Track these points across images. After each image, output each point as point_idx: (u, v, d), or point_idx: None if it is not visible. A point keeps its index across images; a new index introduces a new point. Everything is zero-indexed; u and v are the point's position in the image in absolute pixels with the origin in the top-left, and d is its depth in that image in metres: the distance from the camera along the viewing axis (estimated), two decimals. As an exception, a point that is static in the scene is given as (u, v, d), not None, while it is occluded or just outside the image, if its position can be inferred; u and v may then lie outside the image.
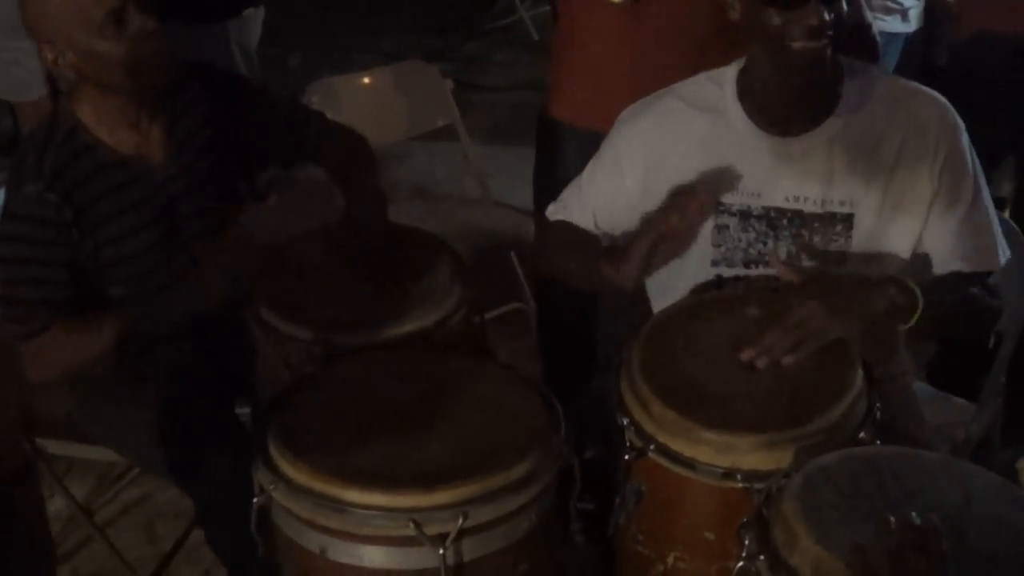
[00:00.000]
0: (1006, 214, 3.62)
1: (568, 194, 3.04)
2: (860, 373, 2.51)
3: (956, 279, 2.79)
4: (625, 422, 2.48)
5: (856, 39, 4.37)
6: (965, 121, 2.86)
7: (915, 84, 2.86)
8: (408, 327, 2.83)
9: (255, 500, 2.43)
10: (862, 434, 2.42)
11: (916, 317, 2.60)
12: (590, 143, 3.09)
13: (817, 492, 2.19)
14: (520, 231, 4.34)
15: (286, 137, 3.25)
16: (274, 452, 2.40)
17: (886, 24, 4.53)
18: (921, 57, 4.75)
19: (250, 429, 2.74)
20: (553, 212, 3.06)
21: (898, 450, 2.40)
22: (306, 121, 3.32)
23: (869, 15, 4.37)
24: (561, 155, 3.56)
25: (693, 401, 2.44)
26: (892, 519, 2.10)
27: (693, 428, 2.39)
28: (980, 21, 4.03)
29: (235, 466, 2.70)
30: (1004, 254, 2.83)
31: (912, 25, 4.65)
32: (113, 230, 2.91)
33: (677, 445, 2.40)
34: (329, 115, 4.37)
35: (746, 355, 2.51)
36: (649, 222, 2.71)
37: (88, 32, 2.78)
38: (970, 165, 2.79)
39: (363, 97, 4.68)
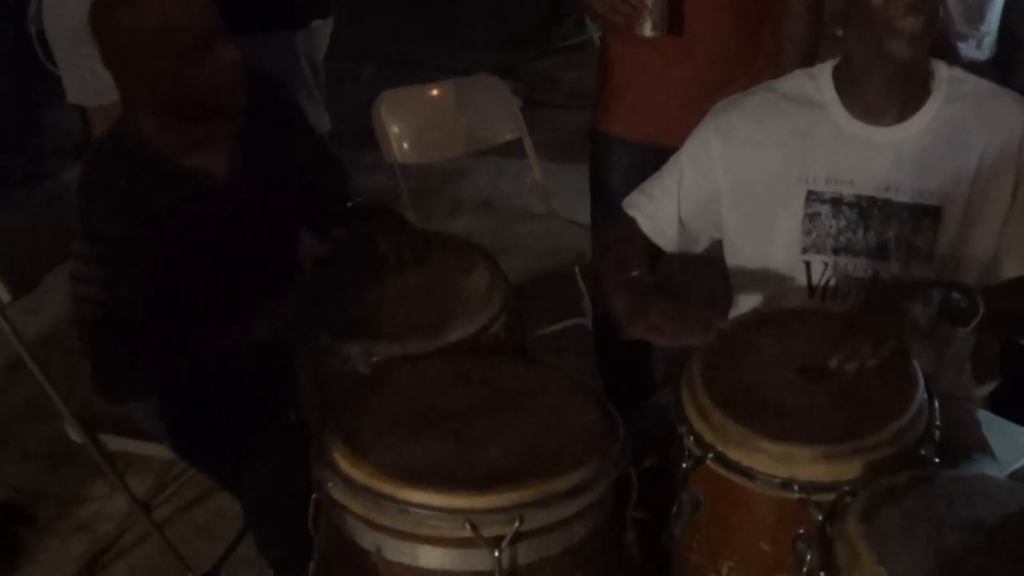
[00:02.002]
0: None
1: (649, 185, 3.09)
2: (921, 389, 2.51)
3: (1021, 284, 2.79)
4: (684, 430, 2.48)
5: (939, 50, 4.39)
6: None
7: (1002, 87, 2.90)
8: (449, 337, 2.84)
9: (313, 498, 2.44)
10: (922, 451, 2.41)
11: (977, 320, 2.58)
12: (640, 155, 3.11)
13: (883, 513, 2.17)
14: (583, 247, 4.36)
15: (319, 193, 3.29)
16: (333, 450, 2.40)
17: (960, 51, 4.53)
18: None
19: (298, 436, 2.74)
20: (630, 203, 3.09)
21: (967, 475, 2.39)
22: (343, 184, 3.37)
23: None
24: (611, 167, 3.58)
25: (753, 411, 2.44)
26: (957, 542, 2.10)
27: (752, 437, 2.38)
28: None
29: (285, 470, 2.73)
30: None
31: (985, 53, 4.64)
32: (179, 243, 2.94)
33: (735, 454, 2.40)
34: (396, 127, 4.45)
35: (832, 363, 2.51)
36: (656, 324, 2.69)
37: (171, 56, 2.79)
38: None
39: (431, 109, 4.70)
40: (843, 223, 2.85)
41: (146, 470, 3.80)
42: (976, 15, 4.57)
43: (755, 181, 2.92)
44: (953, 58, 4.41)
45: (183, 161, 2.97)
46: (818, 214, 2.86)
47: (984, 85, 2.87)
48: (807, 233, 2.88)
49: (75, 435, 3.42)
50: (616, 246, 3.04)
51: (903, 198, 2.81)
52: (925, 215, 2.80)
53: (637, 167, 3.15)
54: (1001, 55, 4.67)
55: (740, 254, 3.02)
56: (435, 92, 4.75)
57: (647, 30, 3.28)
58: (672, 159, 3.05)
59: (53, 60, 5.53)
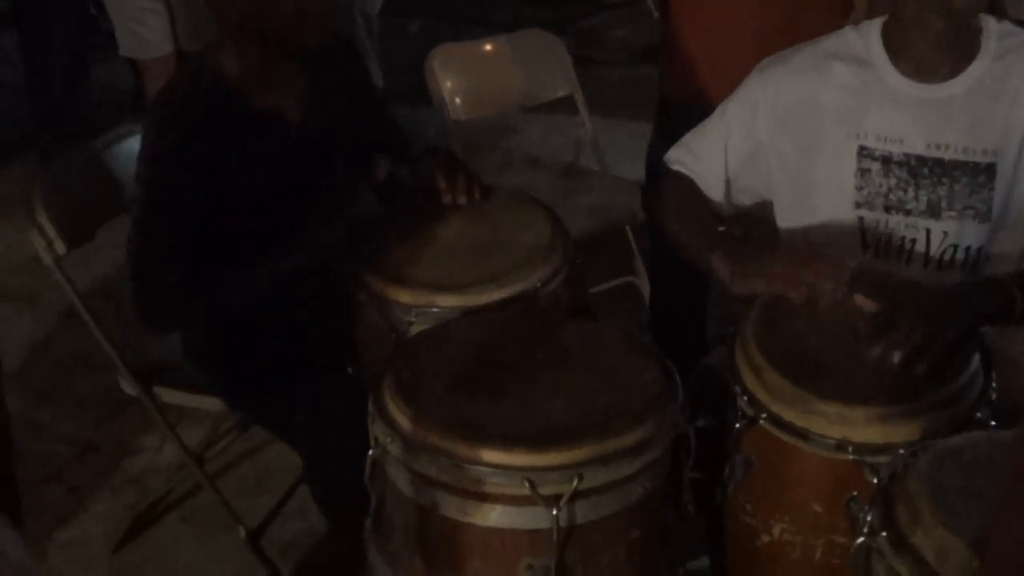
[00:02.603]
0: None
1: (691, 139, 3.08)
2: (977, 351, 2.49)
3: None
4: (738, 390, 2.48)
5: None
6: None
7: None
8: (510, 290, 2.83)
9: (371, 452, 2.43)
10: (978, 414, 2.39)
11: (1016, 316, 2.56)
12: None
13: (945, 473, 2.14)
14: (635, 205, 4.34)
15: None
16: (391, 406, 2.40)
17: (1017, 12, 4.49)
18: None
19: (355, 390, 2.74)
20: (674, 159, 3.09)
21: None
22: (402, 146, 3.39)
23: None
24: (678, 136, 3.56)
25: (807, 371, 2.43)
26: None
27: (806, 398, 2.37)
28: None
29: (343, 424, 2.74)
30: None
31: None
32: (247, 178, 2.97)
33: (789, 415, 2.39)
34: (448, 82, 4.44)
35: (875, 352, 2.44)
36: (782, 270, 2.66)
37: None
38: None
39: (483, 64, 4.69)
40: (893, 181, 2.84)
41: (197, 424, 3.82)
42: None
43: (805, 139, 2.91)
44: (1002, 14, 4.38)
45: (257, 102, 3.01)
46: (869, 170, 2.85)
47: None
48: (859, 189, 2.87)
49: (128, 387, 3.44)
50: (684, 206, 3.01)
51: (955, 156, 2.80)
52: (979, 172, 2.79)
53: None
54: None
55: (790, 212, 3.01)
56: (488, 47, 4.74)
57: None
58: (716, 115, 3.04)
59: (105, 12, 5.54)
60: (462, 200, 3.09)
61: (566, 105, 4.78)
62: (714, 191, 3.03)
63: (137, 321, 3.03)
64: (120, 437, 4.22)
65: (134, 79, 6.06)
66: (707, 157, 3.03)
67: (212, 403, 3.36)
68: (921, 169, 2.81)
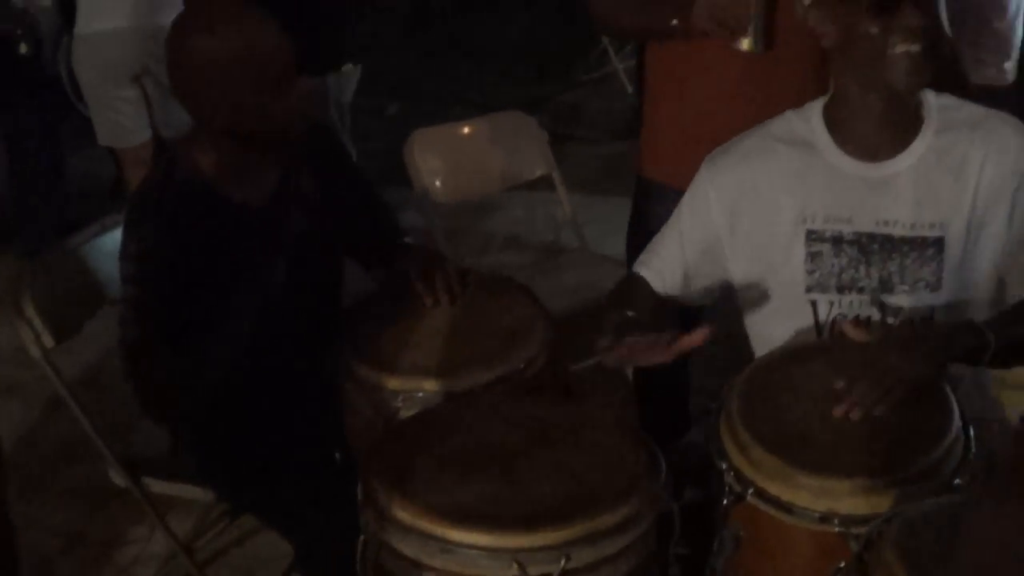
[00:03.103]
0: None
1: (654, 243, 3.12)
2: (956, 418, 2.52)
3: None
4: (724, 466, 2.50)
5: (951, 80, 4.41)
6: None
7: (995, 110, 2.90)
8: (495, 372, 2.86)
9: (361, 538, 2.45)
10: (958, 480, 2.41)
11: (989, 355, 2.61)
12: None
13: (918, 539, 2.18)
14: (614, 281, 4.36)
15: (366, 237, 3.35)
16: (380, 490, 2.42)
17: (981, 76, 4.56)
18: (1016, 108, 4.77)
19: (344, 476, 2.76)
20: (640, 263, 3.13)
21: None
22: (390, 233, 3.42)
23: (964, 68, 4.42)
24: (656, 216, 3.59)
25: (791, 445, 2.45)
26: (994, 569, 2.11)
27: (791, 472, 2.40)
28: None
29: (333, 512, 2.75)
30: None
31: (1008, 78, 4.68)
32: (227, 271, 2.96)
33: (775, 489, 2.41)
34: (427, 165, 4.48)
35: (838, 411, 2.50)
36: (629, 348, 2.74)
37: (256, 87, 2.86)
38: None
39: (462, 147, 4.74)
40: (845, 261, 2.86)
41: (187, 513, 3.82)
42: (1003, 42, 4.61)
43: (754, 225, 2.94)
44: (969, 85, 4.45)
45: (233, 194, 3.02)
46: (820, 253, 2.87)
47: (977, 110, 2.87)
48: (810, 272, 2.89)
49: (118, 477, 3.45)
50: (618, 296, 3.08)
51: (902, 231, 2.82)
52: (927, 246, 2.81)
53: None
54: (1019, 79, 4.72)
55: (747, 298, 3.03)
56: (466, 130, 4.79)
57: (746, 44, 3.29)
58: (675, 212, 3.08)
59: (83, 101, 5.59)
60: (443, 302, 3.11)
61: (544, 182, 4.82)
62: (675, 288, 3.05)
63: (140, 411, 3.04)
64: (109, 528, 4.21)
65: (114, 167, 6.09)
66: (667, 254, 3.06)
67: (201, 492, 3.36)
68: (871, 246, 2.84)
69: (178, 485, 3.43)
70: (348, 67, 5.07)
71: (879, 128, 2.81)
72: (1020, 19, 4.67)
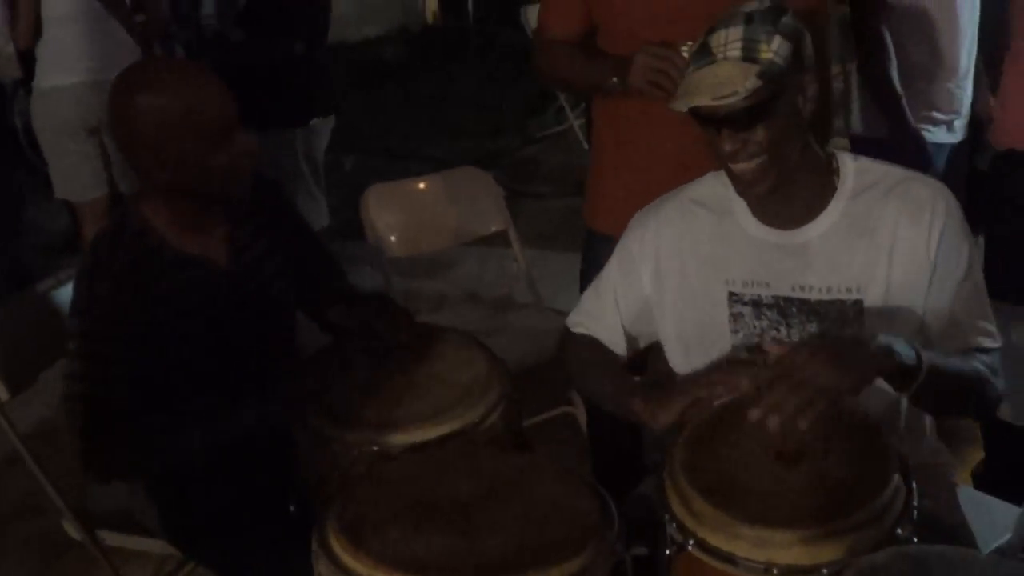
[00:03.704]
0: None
1: (588, 301, 3.16)
2: (897, 469, 2.53)
3: (958, 355, 2.78)
4: (667, 517, 2.51)
5: (903, 146, 4.48)
6: (1010, 227, 2.90)
7: (909, 170, 2.89)
8: (450, 426, 2.87)
9: (315, 591, 2.47)
10: (899, 530, 2.43)
11: (917, 384, 2.58)
12: None
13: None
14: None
15: (316, 287, 3.37)
16: (334, 543, 2.43)
17: (932, 135, 4.64)
18: (967, 165, 4.85)
19: (298, 528, 2.77)
20: (575, 323, 3.17)
21: (948, 550, 2.42)
22: (339, 279, 3.45)
23: (915, 125, 4.49)
24: (601, 266, 3.63)
25: (731, 497, 2.47)
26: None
27: (731, 523, 2.41)
28: (1015, 139, 4.07)
29: (287, 563, 2.76)
30: (998, 339, 2.85)
31: (958, 135, 4.76)
32: (177, 328, 2.98)
33: (716, 540, 2.42)
34: (383, 220, 4.51)
35: (754, 415, 2.47)
36: (694, 381, 2.78)
37: (196, 142, 2.86)
38: (967, 246, 2.83)
39: (418, 203, 4.77)
40: (766, 323, 2.88)
41: (142, 565, 3.81)
42: (953, 101, 4.68)
43: (679, 287, 2.96)
44: (922, 158, 4.53)
45: (184, 248, 3.02)
46: (741, 314, 2.89)
47: (894, 173, 2.87)
48: (735, 332, 2.91)
49: (73, 531, 3.45)
50: (595, 363, 3.09)
51: (819, 295, 2.83)
52: (847, 309, 2.81)
53: None
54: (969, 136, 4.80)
55: (677, 355, 3.04)
56: (421, 185, 4.82)
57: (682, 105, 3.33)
58: (605, 271, 3.12)
59: (40, 154, 5.60)
60: (402, 339, 3.13)
61: (500, 237, 4.84)
62: (617, 347, 3.10)
63: (82, 470, 3.04)
64: (64, 581, 4.21)
65: (71, 220, 6.09)
66: (603, 315, 3.10)
67: (156, 545, 3.36)
68: (790, 309, 2.85)
69: (134, 538, 3.44)
70: (316, 121, 5.10)
71: (789, 199, 2.81)
72: (970, 79, 4.74)
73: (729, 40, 2.63)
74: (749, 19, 2.64)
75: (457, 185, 4.85)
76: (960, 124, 4.77)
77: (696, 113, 2.69)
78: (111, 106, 2.92)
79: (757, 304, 2.87)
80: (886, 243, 2.79)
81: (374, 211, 4.61)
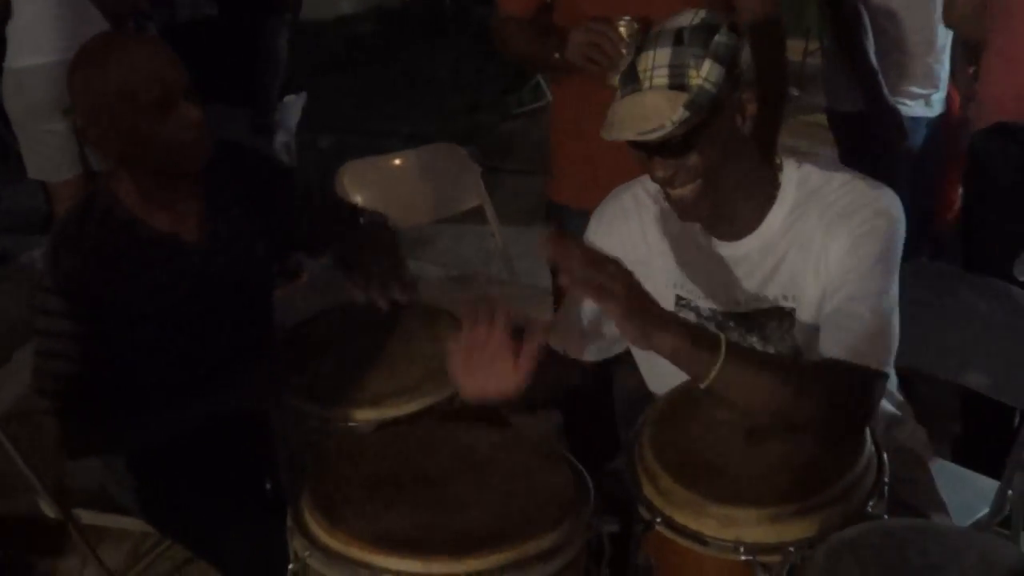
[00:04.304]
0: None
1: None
2: (868, 446, 2.53)
3: (835, 367, 2.58)
4: (636, 495, 2.52)
5: (879, 121, 4.49)
6: (986, 207, 2.87)
7: (859, 175, 2.78)
8: (423, 402, 2.88)
9: (290, 567, 2.45)
10: (870, 507, 2.43)
11: (715, 372, 2.48)
12: None
13: (841, 565, 2.20)
14: (545, 311, 4.39)
15: (312, 225, 3.33)
16: (309, 519, 2.43)
17: (909, 109, 4.64)
18: (944, 140, 4.86)
19: (273, 505, 2.76)
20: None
21: (922, 523, 2.42)
22: (333, 209, 3.41)
23: (891, 100, 4.49)
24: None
25: (699, 475, 2.47)
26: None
27: (698, 501, 2.41)
28: (1001, 112, 4.07)
29: (263, 540, 2.76)
30: (889, 365, 2.66)
31: (935, 110, 4.76)
32: (149, 306, 2.98)
33: (683, 518, 2.42)
34: (359, 197, 4.49)
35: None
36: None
37: (136, 114, 2.85)
38: (887, 260, 2.68)
39: (393, 179, 4.76)
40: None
41: (119, 544, 3.81)
42: (930, 75, 4.68)
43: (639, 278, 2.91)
44: (899, 134, 4.54)
45: (154, 225, 3.01)
46: (688, 320, 2.78)
47: (835, 180, 2.75)
48: None
49: (49, 509, 3.44)
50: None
51: (757, 305, 2.78)
52: (783, 318, 2.76)
53: None
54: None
55: (635, 351, 2.98)
56: (397, 162, 4.82)
57: (617, 81, 3.33)
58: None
59: (13, 136, 5.57)
60: (381, 304, 3.09)
61: (476, 214, 4.84)
62: (584, 348, 2.99)
63: (57, 446, 3.03)
64: (41, 560, 4.19)
65: (46, 202, 6.07)
66: (567, 320, 2.99)
67: (133, 523, 3.35)
68: (727, 323, 2.81)
69: (110, 516, 3.43)
70: (290, 97, 5.09)
71: (730, 215, 2.74)
72: (947, 53, 4.74)
73: (656, 64, 2.53)
74: (679, 39, 2.53)
75: (433, 161, 4.85)
76: (937, 98, 4.78)
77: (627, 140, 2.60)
78: (68, 84, 2.92)
79: (699, 314, 2.83)
80: (819, 256, 2.70)
81: (349, 188, 4.60)
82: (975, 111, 4.21)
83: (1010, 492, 3.22)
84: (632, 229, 2.91)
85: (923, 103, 4.74)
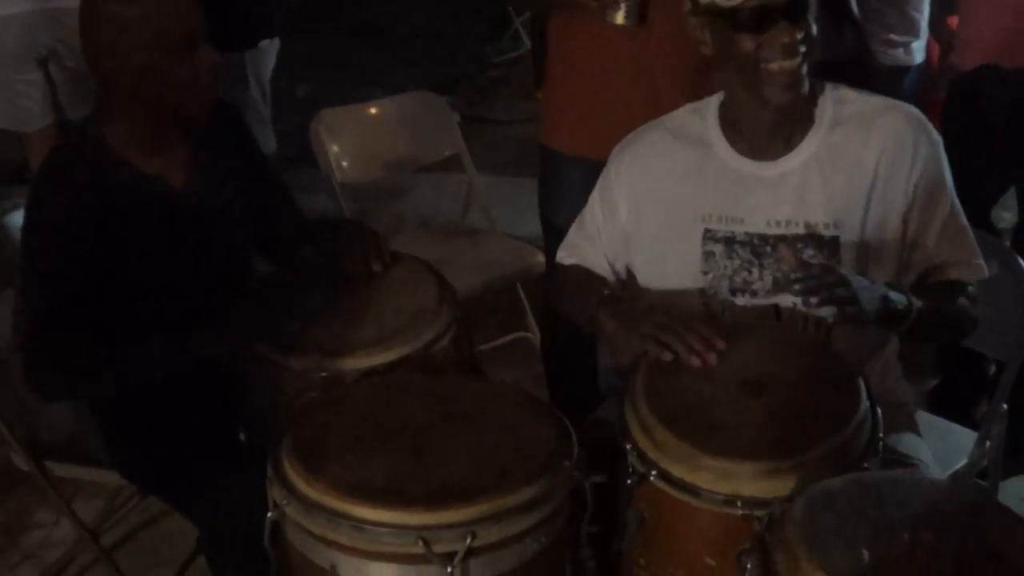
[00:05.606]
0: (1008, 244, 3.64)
1: (573, 233, 3.11)
2: (864, 401, 2.52)
3: (943, 287, 2.79)
4: (628, 447, 2.49)
5: (860, 69, 4.47)
6: (966, 151, 2.87)
7: (891, 100, 2.87)
8: (397, 353, 2.85)
9: (269, 515, 2.44)
10: (866, 464, 2.42)
11: (909, 321, 2.61)
12: (591, 171, 3.12)
13: (819, 517, 2.19)
14: (525, 262, 4.39)
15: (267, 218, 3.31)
16: (288, 468, 2.42)
17: (889, 57, 4.62)
18: (926, 87, 4.84)
19: (248, 456, 2.74)
20: (564, 256, 3.12)
21: (900, 475, 2.41)
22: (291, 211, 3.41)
23: (870, 47, 4.47)
24: (564, 185, 3.60)
25: (695, 428, 2.45)
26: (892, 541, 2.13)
27: (694, 454, 2.40)
28: (985, 55, 4.07)
29: (238, 491, 2.75)
30: (985, 268, 2.84)
31: (916, 58, 4.73)
32: (132, 246, 2.95)
33: (678, 471, 2.41)
34: (335, 146, 4.46)
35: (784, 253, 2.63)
36: (656, 327, 2.67)
37: (159, 50, 2.83)
38: (948, 179, 2.81)
39: (369, 128, 4.73)
40: (737, 263, 2.83)
41: (93, 496, 3.78)
42: (910, 23, 4.66)
43: (654, 221, 2.92)
44: (876, 67, 4.53)
45: (141, 168, 2.99)
46: (713, 253, 2.84)
47: (874, 103, 2.83)
48: (705, 273, 2.86)
49: (21, 462, 3.41)
50: (581, 285, 3.03)
51: (797, 230, 2.79)
52: (823, 245, 2.77)
53: (590, 183, 3.14)
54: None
55: (652, 292, 2.99)
56: (373, 110, 4.79)
57: (619, 18, 3.29)
58: (588, 205, 3.07)
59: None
60: (376, 267, 3.10)
61: (455, 164, 4.82)
62: (606, 273, 3.04)
63: (25, 389, 3.00)
64: (14, 513, 4.17)
65: (21, 151, 6.02)
66: (588, 248, 3.05)
67: (106, 475, 3.32)
68: (764, 248, 2.81)
69: (83, 468, 3.40)
70: (265, 42, 5.03)
71: (770, 128, 2.79)
72: (927, 0, 4.72)
73: None
74: None
75: (409, 110, 4.82)
76: (918, 46, 4.76)
77: (739, 10, 2.64)
78: (80, 14, 2.88)
79: (730, 242, 2.83)
80: (866, 181, 2.75)
81: (325, 136, 4.56)
82: (958, 54, 4.21)
83: (988, 443, 3.23)
84: (654, 168, 2.92)
85: (903, 51, 4.72)
